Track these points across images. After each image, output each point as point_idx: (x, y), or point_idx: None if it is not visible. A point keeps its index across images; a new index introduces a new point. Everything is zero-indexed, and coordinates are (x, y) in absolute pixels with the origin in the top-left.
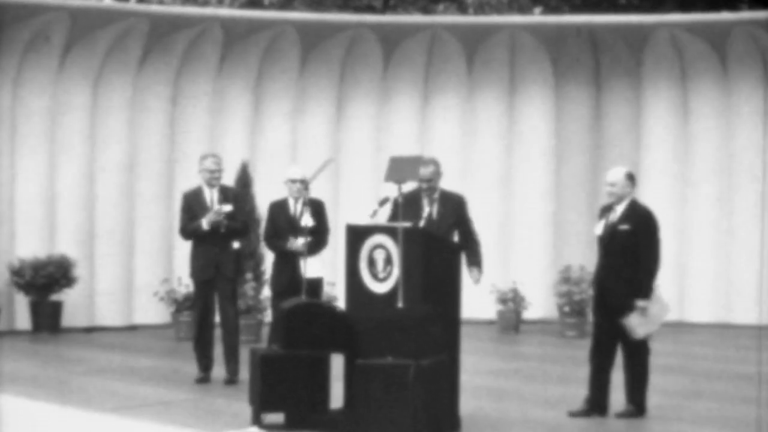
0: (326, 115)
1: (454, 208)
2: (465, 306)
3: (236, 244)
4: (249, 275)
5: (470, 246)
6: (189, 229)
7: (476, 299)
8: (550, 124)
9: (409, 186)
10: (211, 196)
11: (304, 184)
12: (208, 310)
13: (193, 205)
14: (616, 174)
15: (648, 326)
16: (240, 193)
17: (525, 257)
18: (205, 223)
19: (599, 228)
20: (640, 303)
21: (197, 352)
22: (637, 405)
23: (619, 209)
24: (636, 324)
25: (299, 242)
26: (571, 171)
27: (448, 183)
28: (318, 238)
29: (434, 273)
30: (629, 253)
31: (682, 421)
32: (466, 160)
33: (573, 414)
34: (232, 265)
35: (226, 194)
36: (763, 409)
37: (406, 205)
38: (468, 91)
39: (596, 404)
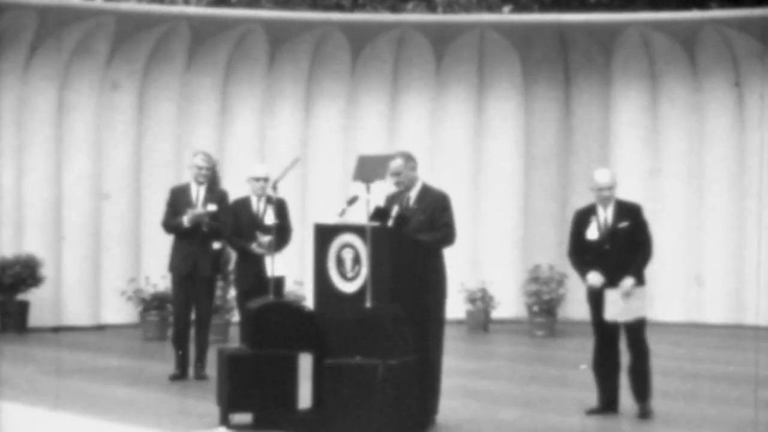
0: (294, 113)
1: (432, 204)
2: (434, 305)
3: (216, 244)
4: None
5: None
6: (171, 225)
7: (450, 300)
8: (519, 122)
9: (381, 185)
10: (197, 193)
11: (268, 182)
12: (187, 307)
13: (178, 200)
14: (608, 176)
15: (620, 312)
16: (226, 194)
17: (494, 256)
18: (186, 221)
19: (593, 232)
20: (628, 281)
21: (175, 348)
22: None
23: (609, 209)
24: (611, 301)
25: (265, 240)
26: (541, 170)
27: None
28: (281, 236)
29: (404, 272)
30: (629, 250)
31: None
32: (434, 159)
33: (590, 412)
34: (209, 263)
35: (213, 193)
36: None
37: (391, 202)
38: (437, 90)
39: (608, 405)
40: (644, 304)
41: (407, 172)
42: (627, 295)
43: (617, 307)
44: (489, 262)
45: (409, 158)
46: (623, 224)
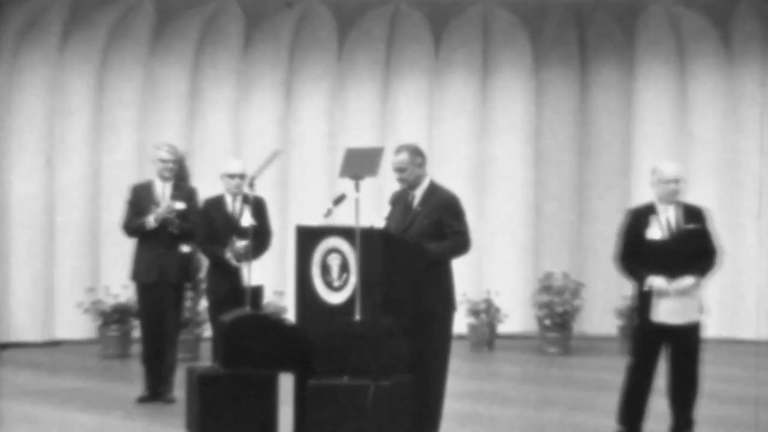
0: (273, 101)
1: (438, 207)
2: (438, 319)
3: (186, 248)
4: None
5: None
6: (133, 226)
7: None
8: (528, 112)
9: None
10: (162, 190)
11: (244, 179)
12: (155, 319)
13: (141, 198)
14: (676, 168)
15: (672, 312)
16: (196, 191)
17: (500, 263)
18: (152, 219)
19: (655, 231)
20: (687, 279)
21: (145, 368)
22: (687, 422)
23: (672, 208)
24: (662, 300)
25: (241, 246)
26: (554, 165)
27: None
28: (259, 240)
29: (399, 281)
30: (697, 255)
31: None
32: (433, 154)
33: None
34: (177, 269)
35: (180, 190)
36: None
37: (393, 206)
38: (435, 75)
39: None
40: (701, 307)
41: (413, 168)
42: (683, 293)
43: (669, 307)
44: (494, 269)
45: (416, 153)
46: (692, 225)
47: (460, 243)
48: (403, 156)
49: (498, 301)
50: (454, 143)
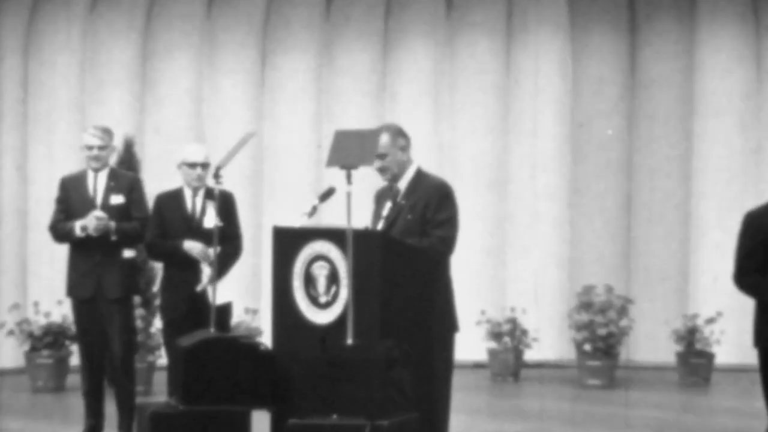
0: (245, 72)
1: (424, 198)
2: (439, 340)
3: (129, 253)
4: (137, 299)
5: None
6: (60, 230)
7: (459, 334)
8: (563, 84)
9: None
10: (95, 182)
11: (208, 169)
12: (96, 342)
13: (71, 194)
14: None
15: None
16: (139, 181)
17: (527, 274)
18: (78, 229)
19: None
20: None
21: (85, 403)
22: None
23: None
24: None
25: (209, 252)
26: (594, 153)
27: None
28: (227, 246)
29: (401, 295)
30: None
31: None
32: (442, 140)
33: None
34: (119, 280)
35: (117, 180)
36: None
37: (378, 205)
38: (446, 38)
39: None
40: None
41: (395, 153)
42: None
43: None
44: (520, 282)
45: (397, 134)
46: None
47: (444, 239)
48: (383, 139)
49: (525, 321)
50: (470, 126)
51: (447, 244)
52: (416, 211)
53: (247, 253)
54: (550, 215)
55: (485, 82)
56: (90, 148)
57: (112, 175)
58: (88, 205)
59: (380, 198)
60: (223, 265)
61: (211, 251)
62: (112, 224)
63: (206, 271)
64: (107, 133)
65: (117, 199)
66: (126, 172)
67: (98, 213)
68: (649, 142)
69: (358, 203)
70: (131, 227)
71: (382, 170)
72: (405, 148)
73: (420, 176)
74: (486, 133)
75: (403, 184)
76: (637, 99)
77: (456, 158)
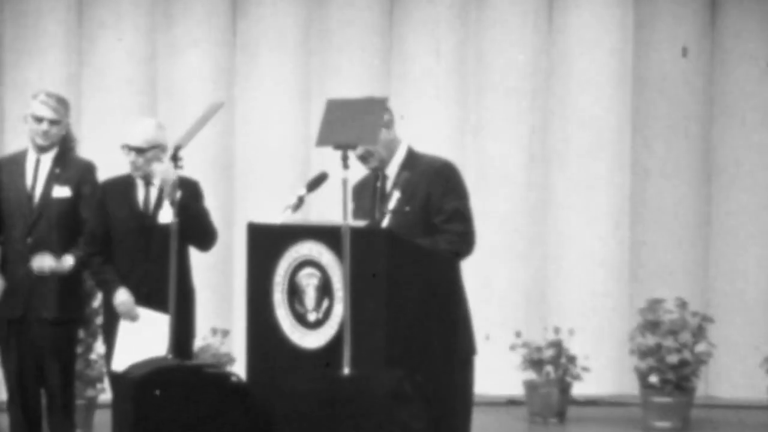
0: (212, 26)
1: (422, 182)
2: (458, 368)
3: (70, 260)
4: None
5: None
6: None
7: (487, 361)
8: (621, 60)
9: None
10: (36, 168)
11: (164, 150)
12: (26, 373)
13: (3, 181)
14: None
15: None
16: (92, 168)
17: (575, 286)
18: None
19: None
20: None
21: None
22: None
23: None
24: None
25: (135, 312)
26: (658, 139)
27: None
28: (193, 248)
29: (411, 310)
30: None
31: None
32: (464, 121)
33: None
34: (56, 297)
35: (66, 167)
36: None
37: (358, 201)
38: None
39: None
40: None
41: (381, 132)
42: None
43: None
44: (566, 295)
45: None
46: None
47: (463, 236)
48: None
49: (573, 346)
50: (500, 104)
51: (467, 240)
52: (415, 200)
53: (215, 259)
54: (604, 209)
55: (520, 49)
56: (39, 120)
57: (59, 160)
58: (23, 198)
59: (362, 191)
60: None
61: (139, 311)
62: (66, 265)
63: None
64: (62, 104)
65: (61, 192)
66: (78, 158)
67: (40, 263)
68: (727, 126)
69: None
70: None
71: (365, 157)
72: (390, 125)
73: (413, 157)
74: (520, 108)
75: (392, 170)
76: (713, 78)
77: (481, 140)
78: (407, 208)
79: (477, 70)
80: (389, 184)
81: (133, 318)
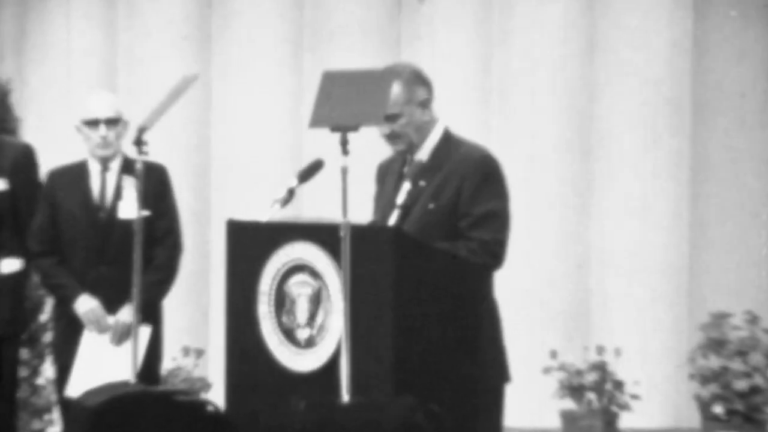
0: None
1: (456, 176)
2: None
3: (14, 263)
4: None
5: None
6: None
7: (516, 387)
8: (679, 50)
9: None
10: None
11: (124, 127)
12: None
13: None
14: None
15: None
16: (31, 151)
17: (621, 296)
18: None
19: None
20: None
21: None
22: None
23: None
24: None
25: (106, 322)
26: (718, 138)
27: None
28: (158, 255)
29: (427, 326)
30: None
31: None
32: (487, 112)
33: None
34: None
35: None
36: None
37: (382, 186)
38: None
39: None
40: None
41: (412, 112)
42: None
43: None
44: (612, 307)
45: (414, 81)
46: None
47: (491, 245)
48: (393, 91)
49: (620, 368)
50: (542, 79)
51: (494, 251)
52: (443, 197)
53: (187, 265)
54: (657, 208)
55: (560, 37)
56: None
57: None
58: None
59: (386, 175)
60: (158, 285)
61: (111, 320)
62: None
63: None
64: None
65: None
66: (13, 141)
67: None
68: None
69: (358, 185)
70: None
71: (392, 138)
72: (426, 104)
73: (449, 143)
74: (562, 81)
75: (423, 155)
76: None
77: (512, 115)
78: (431, 206)
79: (488, 66)
80: (418, 172)
81: (103, 329)
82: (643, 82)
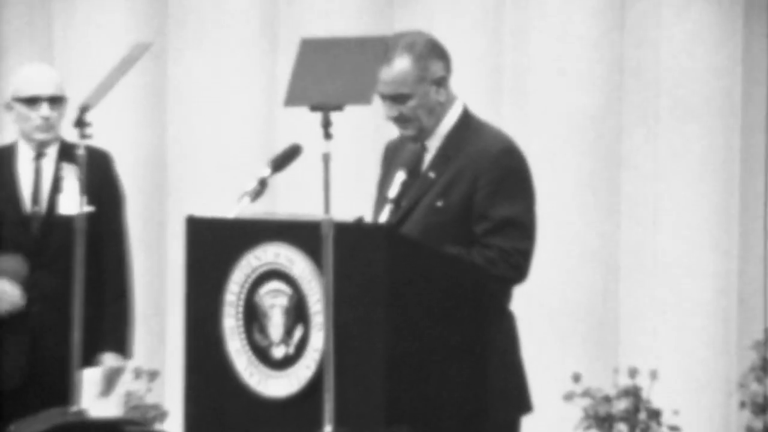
0: None
1: (473, 167)
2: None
3: None
4: None
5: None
6: None
7: (533, 415)
8: (729, 45)
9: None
10: None
11: (62, 105)
12: None
13: None
14: None
15: None
16: None
17: (657, 310)
18: None
19: None
20: None
21: None
22: None
23: None
24: None
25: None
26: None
27: None
28: (108, 263)
29: (427, 345)
30: None
31: None
32: (499, 93)
33: None
34: None
35: None
36: None
37: (386, 171)
38: None
39: None
40: None
41: (425, 91)
42: None
43: None
44: (646, 323)
45: (428, 55)
46: None
47: (497, 256)
48: (401, 65)
49: (656, 395)
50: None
51: (516, 263)
52: (454, 193)
53: (140, 270)
54: (702, 208)
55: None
56: None
57: None
58: None
59: (392, 158)
60: (126, 335)
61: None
62: None
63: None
64: None
65: None
66: None
67: None
68: None
69: (343, 175)
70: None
71: (401, 121)
72: (442, 82)
73: (467, 128)
74: (590, 88)
75: (435, 143)
76: None
77: (526, 102)
78: (439, 203)
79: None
80: (426, 160)
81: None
82: (691, 87)
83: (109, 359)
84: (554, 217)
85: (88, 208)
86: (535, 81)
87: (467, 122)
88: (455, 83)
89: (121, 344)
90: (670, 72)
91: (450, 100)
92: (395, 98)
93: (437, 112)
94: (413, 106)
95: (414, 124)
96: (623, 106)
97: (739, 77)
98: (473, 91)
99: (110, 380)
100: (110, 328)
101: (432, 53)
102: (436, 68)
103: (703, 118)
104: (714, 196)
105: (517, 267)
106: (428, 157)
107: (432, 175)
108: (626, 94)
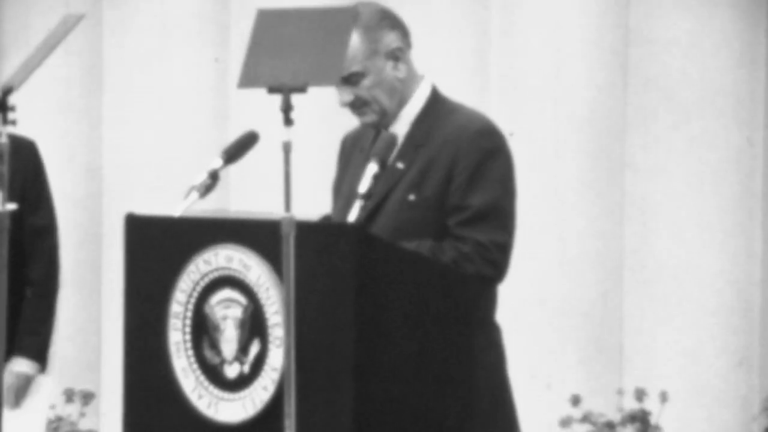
0: None
1: (447, 154)
2: None
3: None
4: None
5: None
6: None
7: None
8: (720, 40)
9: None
10: None
11: None
12: None
13: None
14: None
15: None
16: None
17: (668, 325)
18: None
19: None
20: None
21: None
22: None
23: None
24: None
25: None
26: None
27: None
28: (33, 266)
29: (400, 361)
30: None
31: None
32: (499, 93)
33: None
34: None
35: None
36: None
37: (344, 167)
38: None
39: None
40: None
41: (381, 69)
42: None
43: None
44: (655, 339)
45: (378, 25)
46: None
47: (471, 251)
48: (361, 44)
49: (667, 419)
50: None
51: (492, 258)
52: (427, 185)
53: (72, 276)
54: (721, 208)
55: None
56: None
57: None
58: None
59: (352, 152)
60: (46, 342)
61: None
62: None
63: None
64: None
65: None
66: None
67: None
68: None
69: (306, 167)
70: None
71: (358, 106)
72: (400, 54)
73: (437, 109)
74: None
75: (401, 128)
76: None
77: (529, 97)
78: (411, 197)
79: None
80: (396, 149)
81: None
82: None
83: (19, 365)
84: (554, 217)
85: (11, 206)
86: (535, 81)
87: (437, 104)
88: (452, 83)
89: (38, 351)
90: (670, 72)
91: (413, 79)
92: (347, 79)
93: (399, 91)
94: (368, 86)
95: (373, 108)
96: (624, 107)
97: (741, 77)
98: (473, 91)
99: (18, 390)
100: (27, 330)
101: (382, 23)
102: (389, 39)
103: (705, 119)
104: (734, 197)
105: (494, 263)
106: (396, 146)
107: (400, 165)
108: (627, 95)
